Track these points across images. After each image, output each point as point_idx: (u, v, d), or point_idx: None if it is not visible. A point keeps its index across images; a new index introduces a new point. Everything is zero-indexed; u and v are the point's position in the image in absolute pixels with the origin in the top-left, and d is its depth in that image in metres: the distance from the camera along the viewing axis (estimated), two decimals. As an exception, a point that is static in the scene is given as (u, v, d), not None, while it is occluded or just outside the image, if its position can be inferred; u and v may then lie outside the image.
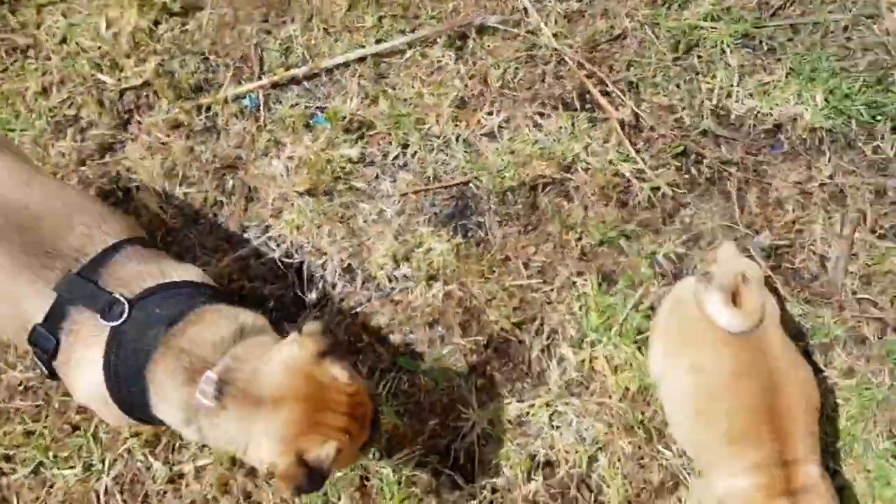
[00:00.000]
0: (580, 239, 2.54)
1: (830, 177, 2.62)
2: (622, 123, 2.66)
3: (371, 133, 2.67)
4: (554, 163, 2.60)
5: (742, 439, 1.98)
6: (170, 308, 1.72)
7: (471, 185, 2.61)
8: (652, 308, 2.44)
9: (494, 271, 2.49)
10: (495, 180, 2.58)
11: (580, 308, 2.45)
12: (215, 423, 1.67)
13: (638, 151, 2.65)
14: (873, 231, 2.57)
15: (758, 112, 2.72)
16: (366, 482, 2.25)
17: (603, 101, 2.71)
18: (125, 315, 1.68)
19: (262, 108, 2.70)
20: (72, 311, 1.70)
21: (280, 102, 2.72)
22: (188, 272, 1.85)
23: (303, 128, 2.66)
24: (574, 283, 2.49)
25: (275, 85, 2.73)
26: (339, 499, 2.23)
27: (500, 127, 2.67)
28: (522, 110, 2.70)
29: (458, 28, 2.77)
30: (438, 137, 2.65)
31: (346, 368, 1.70)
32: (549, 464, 2.30)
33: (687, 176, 2.65)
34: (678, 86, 2.75)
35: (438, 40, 2.76)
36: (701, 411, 2.06)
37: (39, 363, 1.79)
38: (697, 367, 2.06)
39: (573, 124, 2.67)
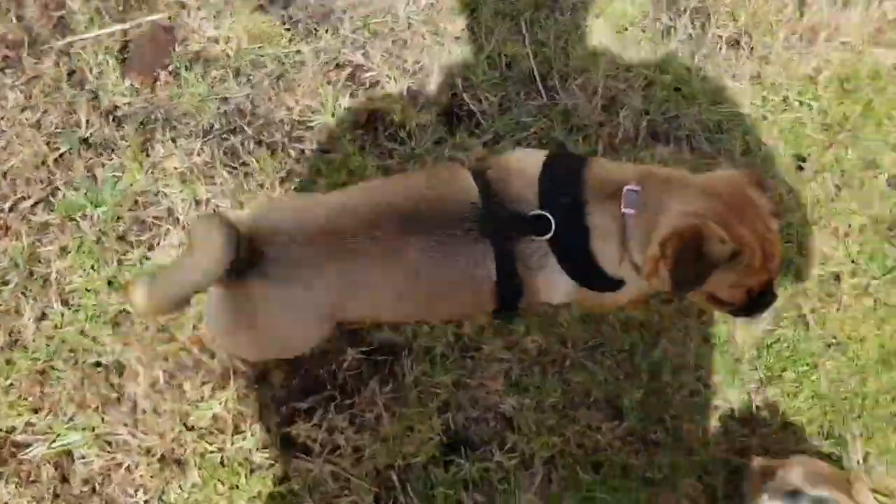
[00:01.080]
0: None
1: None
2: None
3: None
4: None
5: None
6: (564, 187, 1.70)
7: None
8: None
9: None
10: None
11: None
12: (637, 224, 1.66)
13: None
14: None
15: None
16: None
17: None
18: (552, 222, 1.66)
19: None
20: (514, 251, 1.69)
21: None
22: (530, 154, 1.80)
23: None
24: None
25: None
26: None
27: None
28: None
29: None
30: None
31: (774, 210, 1.71)
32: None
33: None
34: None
35: None
36: None
37: (509, 313, 1.83)
38: None
39: None
